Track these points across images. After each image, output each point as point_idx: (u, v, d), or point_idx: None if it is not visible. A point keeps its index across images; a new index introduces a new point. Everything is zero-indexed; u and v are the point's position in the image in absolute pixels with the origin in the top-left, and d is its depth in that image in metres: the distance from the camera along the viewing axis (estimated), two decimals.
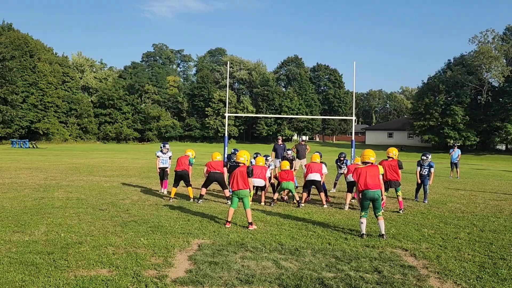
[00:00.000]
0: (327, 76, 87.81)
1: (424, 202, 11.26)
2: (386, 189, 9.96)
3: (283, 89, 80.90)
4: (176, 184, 11.09)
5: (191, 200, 10.75)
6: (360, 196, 7.33)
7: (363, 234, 7.14)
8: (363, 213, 7.23)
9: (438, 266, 5.70)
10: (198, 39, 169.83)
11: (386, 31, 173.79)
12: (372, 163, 7.50)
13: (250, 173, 7.88)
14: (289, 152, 14.69)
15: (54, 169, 18.82)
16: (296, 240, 6.91)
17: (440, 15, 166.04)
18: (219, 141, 72.74)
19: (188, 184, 11.07)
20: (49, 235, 6.75)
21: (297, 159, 17.31)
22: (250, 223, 7.68)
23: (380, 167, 7.59)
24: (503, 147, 64.81)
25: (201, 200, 10.63)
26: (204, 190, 10.73)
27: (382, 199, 7.40)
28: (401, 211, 9.72)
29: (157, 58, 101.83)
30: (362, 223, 7.22)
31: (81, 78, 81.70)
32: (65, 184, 13.55)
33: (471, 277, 5.25)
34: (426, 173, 11.38)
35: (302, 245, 6.59)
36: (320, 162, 11.02)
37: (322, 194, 10.56)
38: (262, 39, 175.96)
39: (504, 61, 58.62)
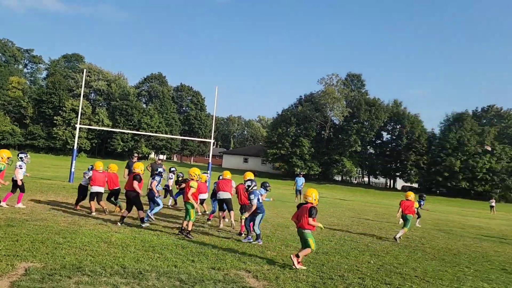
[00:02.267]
0: (189, 97, 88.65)
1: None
2: (242, 213, 10.09)
3: (144, 105, 78.73)
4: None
5: None
6: None
7: None
8: None
9: (276, 286, 6.03)
10: (53, 41, 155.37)
11: (248, 58, 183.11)
12: None
13: (313, 214, 7.32)
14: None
15: None
16: (141, 262, 6.60)
17: (300, 50, 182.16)
18: (67, 153, 66.62)
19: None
20: None
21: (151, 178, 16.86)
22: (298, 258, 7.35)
23: None
24: (340, 178, 73.66)
25: (147, 223, 10.21)
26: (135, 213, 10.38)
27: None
28: (242, 235, 9.86)
29: (0, 54, 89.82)
30: None
31: None
32: None
33: None
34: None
35: (147, 268, 6.32)
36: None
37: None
38: (125, 52, 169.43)
39: (345, 102, 67.31)
